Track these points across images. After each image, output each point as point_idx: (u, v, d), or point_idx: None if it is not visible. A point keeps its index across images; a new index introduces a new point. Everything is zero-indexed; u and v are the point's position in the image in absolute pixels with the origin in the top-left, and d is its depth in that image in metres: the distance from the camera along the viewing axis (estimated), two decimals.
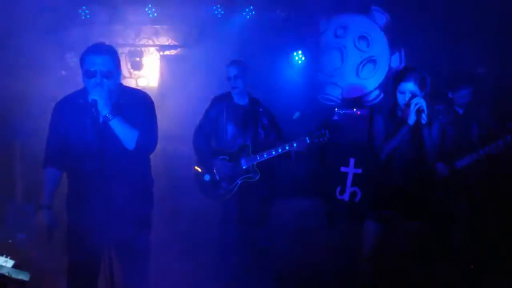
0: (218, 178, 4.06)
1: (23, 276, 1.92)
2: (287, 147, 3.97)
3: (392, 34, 6.89)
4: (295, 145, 3.97)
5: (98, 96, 2.60)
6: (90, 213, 2.74)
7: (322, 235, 5.52)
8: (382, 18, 6.94)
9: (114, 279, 2.50)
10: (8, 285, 1.90)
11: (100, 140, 2.60)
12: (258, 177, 4.03)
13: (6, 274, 1.88)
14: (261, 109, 4.19)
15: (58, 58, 6.68)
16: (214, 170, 4.06)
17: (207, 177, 4.09)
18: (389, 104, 3.40)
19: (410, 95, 3.22)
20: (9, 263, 1.93)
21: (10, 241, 4.54)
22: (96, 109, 2.61)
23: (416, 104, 3.17)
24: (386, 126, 3.37)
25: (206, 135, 4.16)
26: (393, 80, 3.36)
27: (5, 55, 4.96)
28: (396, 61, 6.90)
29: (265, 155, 4.01)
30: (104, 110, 2.63)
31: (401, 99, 3.27)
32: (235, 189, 4.04)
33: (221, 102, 4.17)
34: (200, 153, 4.13)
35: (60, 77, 6.67)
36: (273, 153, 4.00)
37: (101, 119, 2.68)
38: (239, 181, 4.04)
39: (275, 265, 4.44)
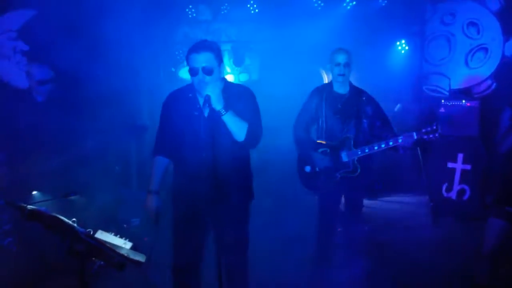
0: (318, 170, 3.94)
1: (140, 258, 2.10)
2: (390, 143, 3.74)
3: (507, 19, 6.36)
4: (400, 140, 3.72)
5: (211, 92, 2.75)
6: (194, 202, 2.93)
7: (426, 234, 5.30)
8: (495, 2, 6.44)
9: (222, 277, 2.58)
10: (126, 264, 2.08)
11: (212, 134, 2.72)
12: (358, 172, 3.89)
13: (125, 254, 2.07)
14: (364, 98, 3.99)
15: (168, 56, 7.12)
16: (314, 162, 3.96)
17: (307, 169, 3.99)
18: None
19: None
20: (128, 245, 2.13)
21: (125, 225, 4.92)
22: (210, 104, 2.74)
23: None
24: None
25: (306, 127, 4.04)
26: None
27: (118, 54, 5.30)
28: (511, 49, 6.37)
29: (366, 150, 3.78)
30: (217, 106, 2.77)
31: None
32: (334, 182, 3.96)
33: (320, 93, 4.04)
34: (300, 145, 4.04)
35: (169, 73, 7.10)
36: (376, 148, 3.80)
37: (214, 114, 2.81)
38: (338, 175, 3.91)
39: (379, 263, 4.34)
